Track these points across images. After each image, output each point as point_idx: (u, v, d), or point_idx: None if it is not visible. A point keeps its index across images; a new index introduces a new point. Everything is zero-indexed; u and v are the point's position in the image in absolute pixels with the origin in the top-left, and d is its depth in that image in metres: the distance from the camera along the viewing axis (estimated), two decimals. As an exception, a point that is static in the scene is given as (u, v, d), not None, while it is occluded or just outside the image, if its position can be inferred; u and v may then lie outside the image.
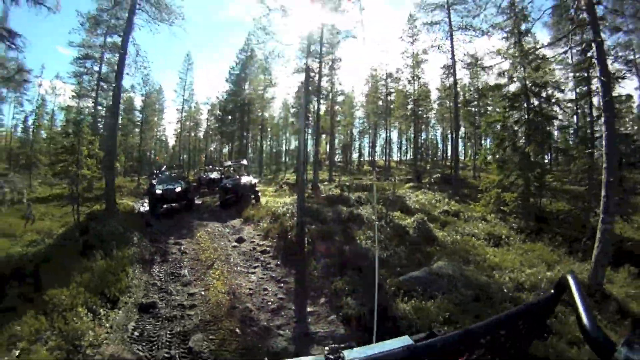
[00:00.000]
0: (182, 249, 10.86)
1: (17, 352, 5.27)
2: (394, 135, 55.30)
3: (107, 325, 6.32)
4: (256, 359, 5.56)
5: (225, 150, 61.21)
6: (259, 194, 19.01)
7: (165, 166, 26.02)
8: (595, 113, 17.04)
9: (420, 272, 7.99)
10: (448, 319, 6.13)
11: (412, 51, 33.07)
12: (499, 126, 17.49)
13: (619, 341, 0.85)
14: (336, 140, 57.56)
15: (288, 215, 12.94)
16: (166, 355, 5.68)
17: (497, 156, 17.02)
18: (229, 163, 24.41)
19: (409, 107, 38.84)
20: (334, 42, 26.05)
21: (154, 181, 19.51)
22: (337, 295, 7.33)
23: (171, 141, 59.90)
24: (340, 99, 44.32)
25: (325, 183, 27.27)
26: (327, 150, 43.92)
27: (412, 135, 47.11)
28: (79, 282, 7.17)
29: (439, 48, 26.03)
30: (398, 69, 40.31)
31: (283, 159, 62.33)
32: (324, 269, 8.80)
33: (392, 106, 42.94)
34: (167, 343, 5.99)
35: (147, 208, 18.57)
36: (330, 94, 38.06)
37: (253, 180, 20.39)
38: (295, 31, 19.82)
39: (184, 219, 15.55)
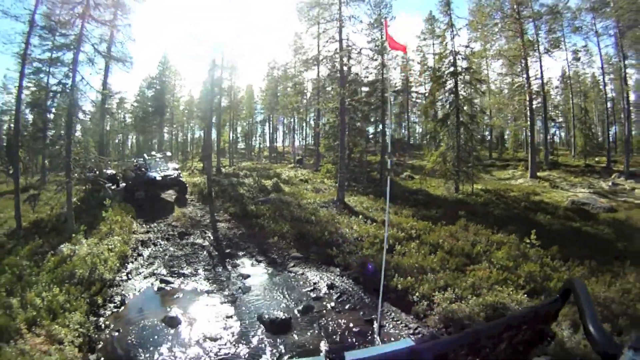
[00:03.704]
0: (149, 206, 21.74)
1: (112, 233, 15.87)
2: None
3: (135, 227, 17.12)
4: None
5: (130, 141, 69.80)
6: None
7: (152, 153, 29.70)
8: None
9: (263, 198, 19.81)
10: (267, 210, 17.66)
11: (294, 61, 43.98)
12: (328, 127, 29.77)
13: (624, 344, 0.95)
14: (239, 129, 67.97)
15: (201, 184, 24.04)
16: (162, 229, 16.64)
17: (326, 144, 29.36)
18: (159, 155, 31.99)
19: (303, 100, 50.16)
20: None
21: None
22: (227, 209, 18.73)
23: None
24: (240, 95, 55.12)
25: (227, 167, 38.24)
26: (230, 139, 54.16)
27: (312, 123, 58.98)
28: (117, 210, 17.84)
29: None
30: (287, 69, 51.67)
31: (189, 148, 71.36)
32: (222, 202, 20.14)
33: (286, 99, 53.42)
34: (162, 227, 16.99)
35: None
36: (232, 92, 48.56)
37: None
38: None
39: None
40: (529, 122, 32.92)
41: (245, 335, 8.23)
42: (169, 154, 32.51)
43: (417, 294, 9.40)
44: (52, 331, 7.67)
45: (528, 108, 32.45)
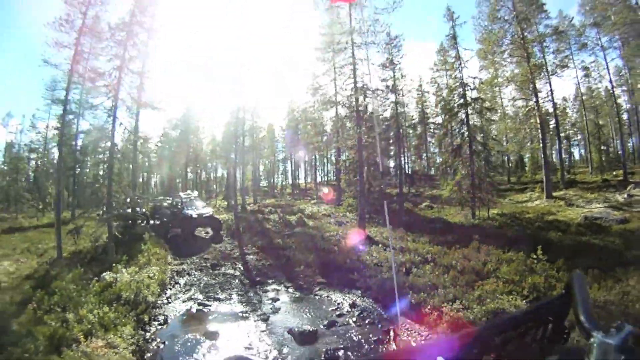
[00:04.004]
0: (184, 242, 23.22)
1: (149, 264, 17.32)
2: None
3: (169, 259, 18.54)
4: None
5: (153, 180, 72.00)
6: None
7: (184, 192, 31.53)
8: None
9: (289, 232, 21.18)
10: (293, 243, 18.94)
11: (313, 102, 45.96)
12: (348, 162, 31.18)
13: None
14: (261, 167, 69.95)
15: (229, 221, 25.48)
16: (195, 261, 18.01)
17: (347, 179, 30.71)
18: (194, 194, 31.72)
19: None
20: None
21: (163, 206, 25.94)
22: (255, 242, 20.07)
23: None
24: (262, 134, 57.16)
25: (251, 204, 39.72)
26: (252, 177, 55.92)
27: (333, 159, 60.72)
28: (152, 244, 19.31)
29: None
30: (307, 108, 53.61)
31: (212, 187, 73.26)
32: (249, 237, 21.49)
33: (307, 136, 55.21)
34: (195, 260, 18.38)
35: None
36: (254, 132, 50.58)
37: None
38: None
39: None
40: (541, 145, 33.39)
41: (278, 345, 9.47)
42: (195, 193, 34.23)
43: (428, 306, 10.55)
44: (107, 339, 9.02)
45: (539, 131, 32.95)
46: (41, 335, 8.89)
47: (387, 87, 28.52)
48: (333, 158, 60.38)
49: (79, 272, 14.49)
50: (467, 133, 26.33)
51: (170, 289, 14.14)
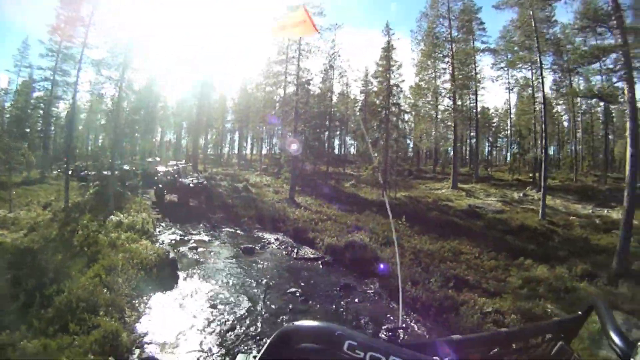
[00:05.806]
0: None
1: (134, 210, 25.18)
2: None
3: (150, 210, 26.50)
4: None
5: (100, 141, 76.70)
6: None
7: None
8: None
9: (236, 195, 29.60)
10: (240, 203, 27.36)
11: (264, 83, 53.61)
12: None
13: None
14: (209, 136, 75.96)
15: (189, 184, 33.45)
16: (168, 214, 26.10)
17: (286, 156, 39.16)
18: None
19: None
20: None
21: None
22: (209, 203, 28.29)
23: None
24: (215, 106, 64.04)
25: (202, 171, 47.27)
26: (202, 146, 62.77)
27: (279, 133, 68.33)
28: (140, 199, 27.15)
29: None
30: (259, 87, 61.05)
31: (157, 151, 78.10)
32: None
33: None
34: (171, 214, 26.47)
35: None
36: (208, 103, 57.63)
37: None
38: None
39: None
40: (452, 144, 42.72)
41: (232, 253, 18.03)
42: (158, 159, 41.41)
43: (318, 239, 19.52)
44: (139, 243, 17.13)
45: (452, 132, 42.19)
46: (103, 242, 16.86)
47: (323, 91, 37.35)
48: (280, 132, 67.53)
49: (90, 216, 22.20)
50: (384, 129, 34.77)
51: (158, 227, 22.22)
